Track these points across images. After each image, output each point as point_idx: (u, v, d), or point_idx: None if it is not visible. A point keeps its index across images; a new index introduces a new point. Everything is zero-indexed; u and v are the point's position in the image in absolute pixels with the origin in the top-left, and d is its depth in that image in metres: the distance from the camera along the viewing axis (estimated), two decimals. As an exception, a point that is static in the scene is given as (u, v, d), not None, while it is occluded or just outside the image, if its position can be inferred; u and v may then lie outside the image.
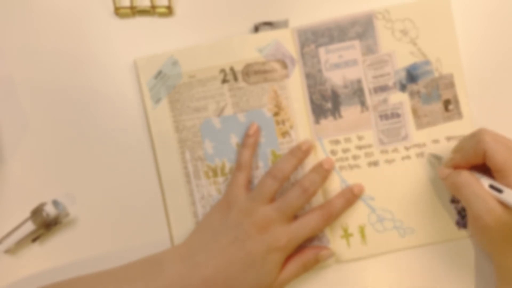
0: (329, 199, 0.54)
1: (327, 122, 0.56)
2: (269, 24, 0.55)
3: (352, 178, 0.56)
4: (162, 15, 0.56)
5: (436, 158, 0.55)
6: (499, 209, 0.46)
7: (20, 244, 0.55)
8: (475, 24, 0.56)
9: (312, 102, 0.56)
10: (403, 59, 0.55)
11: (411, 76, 0.55)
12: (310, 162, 0.55)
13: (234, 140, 0.55)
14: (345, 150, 0.56)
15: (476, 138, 0.48)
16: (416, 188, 0.55)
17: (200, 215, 0.55)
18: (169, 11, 0.56)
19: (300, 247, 0.53)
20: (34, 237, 0.55)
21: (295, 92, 0.55)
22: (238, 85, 0.55)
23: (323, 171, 0.54)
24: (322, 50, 0.55)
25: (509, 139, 0.48)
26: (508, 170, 0.46)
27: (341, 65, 0.55)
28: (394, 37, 0.55)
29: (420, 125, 0.56)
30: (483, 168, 0.49)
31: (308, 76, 0.55)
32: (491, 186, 0.47)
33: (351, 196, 0.55)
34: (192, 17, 0.57)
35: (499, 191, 0.46)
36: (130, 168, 0.56)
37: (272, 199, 0.52)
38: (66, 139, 0.56)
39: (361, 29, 0.55)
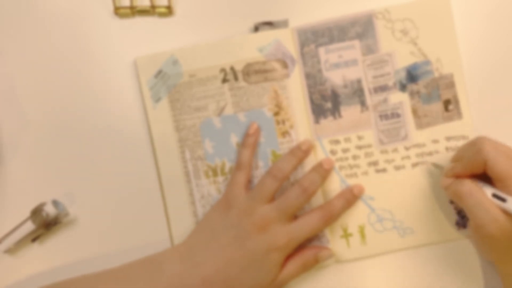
0: (329, 200, 0.54)
1: (327, 122, 0.56)
2: (269, 24, 0.55)
3: (351, 178, 0.56)
4: (162, 15, 0.56)
5: (436, 167, 0.55)
6: (502, 218, 0.46)
7: (20, 244, 0.55)
8: (475, 24, 0.56)
9: (312, 102, 0.56)
10: (403, 59, 0.55)
11: (411, 76, 0.55)
12: (310, 162, 0.55)
13: (234, 139, 0.55)
14: (345, 150, 0.56)
15: (476, 147, 0.48)
16: (416, 188, 0.55)
17: (200, 215, 0.55)
18: (169, 11, 0.56)
19: (300, 247, 0.53)
20: (34, 237, 0.55)
21: (295, 92, 0.55)
22: (239, 85, 0.55)
23: (323, 171, 0.54)
24: (322, 50, 0.55)
25: (509, 148, 0.48)
26: (509, 179, 0.46)
27: (341, 65, 0.55)
28: (394, 37, 0.55)
29: (420, 125, 0.56)
30: (484, 176, 0.48)
31: (308, 76, 0.56)
32: (494, 195, 0.47)
33: (351, 197, 0.55)
34: (192, 17, 0.57)
35: (503, 200, 0.46)
36: (130, 168, 0.56)
37: (272, 199, 0.52)
38: (66, 139, 0.56)
39: (361, 29, 0.55)
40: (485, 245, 0.49)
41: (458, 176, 0.50)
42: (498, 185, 0.47)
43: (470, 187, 0.48)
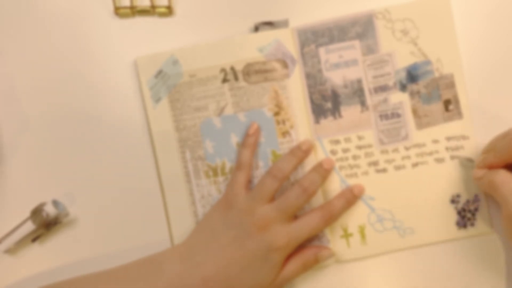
0: (329, 200, 0.54)
1: (327, 122, 0.56)
2: (269, 24, 0.55)
3: (352, 178, 0.56)
4: (162, 15, 0.56)
5: (469, 161, 0.55)
6: None
7: (20, 244, 0.55)
8: (475, 24, 0.56)
9: (312, 102, 0.56)
10: (404, 59, 0.55)
11: (412, 76, 0.55)
12: (310, 162, 0.55)
13: (235, 139, 0.55)
14: (345, 150, 0.56)
15: (509, 137, 0.48)
16: (416, 188, 0.55)
17: (200, 215, 0.55)
18: (169, 11, 0.56)
19: (300, 247, 0.53)
20: (34, 237, 0.55)
21: (295, 92, 0.55)
22: (239, 85, 0.55)
23: (323, 171, 0.54)
24: (322, 50, 0.55)
25: None
26: None
27: (341, 65, 0.55)
28: (395, 37, 0.55)
29: (420, 125, 0.56)
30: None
31: (308, 76, 0.56)
32: None
33: (351, 197, 0.55)
34: (192, 17, 0.57)
35: None
36: (130, 168, 0.56)
37: (272, 199, 0.52)
38: (66, 139, 0.56)
39: (361, 29, 0.55)
40: None
41: (490, 167, 0.50)
42: None
43: (504, 176, 0.48)
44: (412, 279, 0.56)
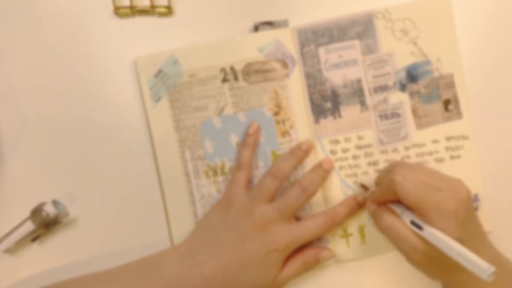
0: (333, 207, 0.54)
1: (327, 122, 0.56)
2: (269, 24, 0.55)
3: (351, 178, 0.56)
4: (162, 15, 0.56)
5: (364, 189, 0.55)
6: (422, 245, 0.46)
7: (19, 244, 0.55)
8: (475, 24, 0.56)
9: (312, 102, 0.56)
10: (403, 59, 0.55)
11: (411, 76, 0.55)
12: (310, 162, 0.55)
13: (234, 139, 0.55)
14: (345, 150, 0.56)
15: (389, 176, 0.47)
16: (416, 188, 0.55)
17: (200, 215, 0.55)
18: (168, 11, 0.56)
19: (301, 247, 0.53)
20: (34, 237, 0.55)
21: (295, 92, 0.55)
22: (239, 85, 0.55)
23: (323, 171, 0.54)
24: (322, 50, 0.55)
25: (422, 171, 0.48)
26: (423, 208, 0.45)
27: (341, 65, 0.55)
28: (394, 37, 0.55)
29: (420, 125, 0.56)
30: None
31: (308, 76, 0.55)
32: (412, 223, 0.46)
33: (355, 206, 0.55)
34: (192, 17, 0.57)
35: (420, 227, 0.46)
36: (130, 168, 0.56)
37: (272, 198, 0.52)
38: (66, 139, 0.56)
39: (361, 28, 0.55)
40: (420, 270, 0.49)
41: (378, 203, 0.51)
42: (415, 213, 0.47)
43: (389, 221, 0.48)
44: (412, 279, 0.56)
